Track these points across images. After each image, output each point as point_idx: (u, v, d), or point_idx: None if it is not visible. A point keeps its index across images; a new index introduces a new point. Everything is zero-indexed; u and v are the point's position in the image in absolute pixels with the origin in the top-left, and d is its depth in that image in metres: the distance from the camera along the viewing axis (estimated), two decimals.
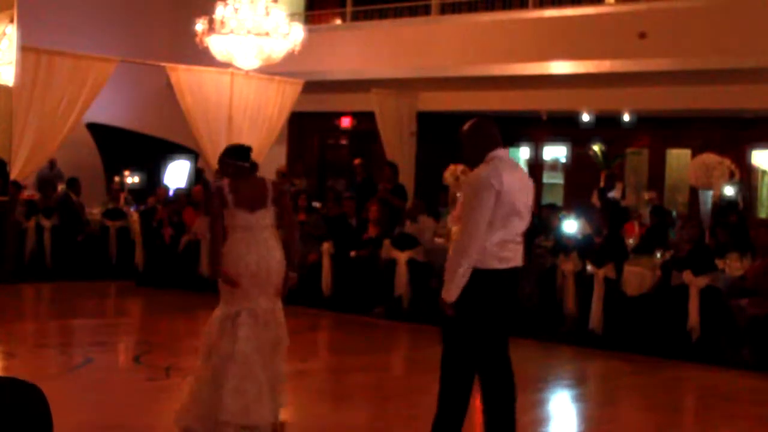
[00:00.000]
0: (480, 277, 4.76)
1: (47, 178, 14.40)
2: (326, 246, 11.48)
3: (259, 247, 5.50)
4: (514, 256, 4.87)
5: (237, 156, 5.63)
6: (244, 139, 15.33)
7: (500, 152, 4.89)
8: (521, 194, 4.86)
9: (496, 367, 4.95)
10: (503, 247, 4.80)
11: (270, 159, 15.77)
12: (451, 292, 4.77)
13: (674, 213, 13.36)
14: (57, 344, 8.95)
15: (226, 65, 14.23)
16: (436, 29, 15.66)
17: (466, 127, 4.99)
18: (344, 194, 12.81)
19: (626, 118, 15.72)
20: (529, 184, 5.01)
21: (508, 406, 4.96)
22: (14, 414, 2.25)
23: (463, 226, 4.79)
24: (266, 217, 5.53)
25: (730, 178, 12.15)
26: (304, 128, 18.75)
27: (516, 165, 5.09)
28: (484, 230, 4.72)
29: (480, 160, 4.89)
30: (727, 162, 12.23)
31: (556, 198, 16.02)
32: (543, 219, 11.17)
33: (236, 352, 5.41)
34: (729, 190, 12.59)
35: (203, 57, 14.20)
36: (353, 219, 11.95)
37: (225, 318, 5.52)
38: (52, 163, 15.27)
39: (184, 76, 14.61)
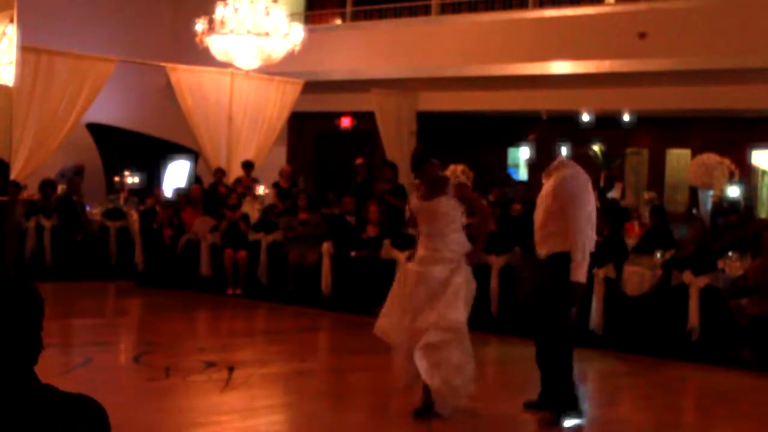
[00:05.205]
0: None
1: (69, 177, 14.39)
2: (326, 246, 11.47)
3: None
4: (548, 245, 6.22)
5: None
6: (244, 139, 15.39)
7: (558, 159, 6.19)
8: (543, 200, 6.18)
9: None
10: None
11: (270, 159, 15.77)
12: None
13: (694, 210, 13.21)
14: (57, 344, 8.92)
15: (226, 65, 14.22)
16: (436, 29, 15.65)
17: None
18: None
19: (626, 118, 15.71)
20: (552, 188, 6.08)
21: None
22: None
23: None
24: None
25: (730, 178, 12.14)
26: (304, 128, 18.73)
27: (551, 172, 6.17)
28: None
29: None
30: (727, 162, 12.22)
31: None
32: None
33: None
34: (732, 191, 12.56)
35: (203, 57, 14.20)
36: (353, 218, 11.93)
37: None
38: (78, 168, 15.31)
39: (184, 76, 14.61)
